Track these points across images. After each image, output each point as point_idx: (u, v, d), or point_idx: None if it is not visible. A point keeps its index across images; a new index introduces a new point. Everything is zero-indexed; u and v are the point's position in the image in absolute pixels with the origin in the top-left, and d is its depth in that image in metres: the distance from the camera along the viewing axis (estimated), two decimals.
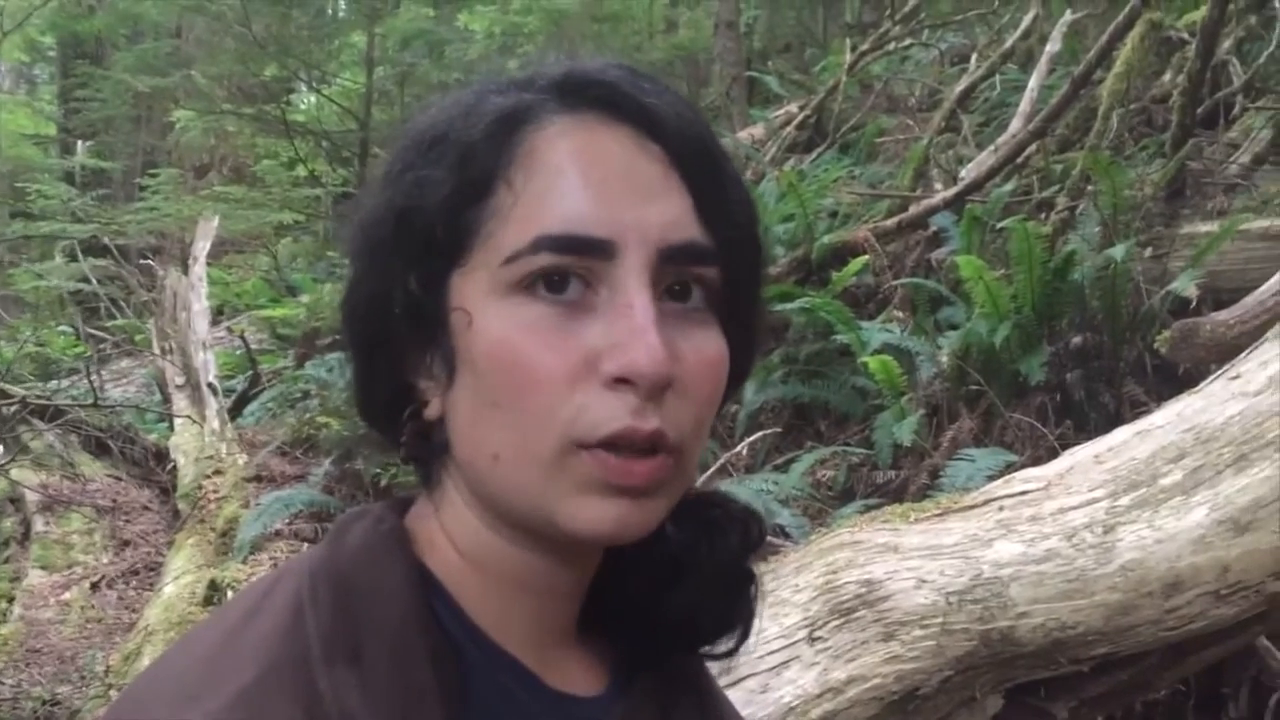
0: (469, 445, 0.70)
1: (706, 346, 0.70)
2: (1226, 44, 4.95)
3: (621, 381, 0.65)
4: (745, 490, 3.40)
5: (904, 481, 3.67)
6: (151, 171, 11.76)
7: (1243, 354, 2.20)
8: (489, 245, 0.68)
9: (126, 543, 5.05)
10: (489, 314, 0.67)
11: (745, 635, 0.82)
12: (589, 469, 0.66)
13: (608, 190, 0.67)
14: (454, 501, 0.73)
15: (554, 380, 0.66)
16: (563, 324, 0.66)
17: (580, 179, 0.67)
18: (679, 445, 0.68)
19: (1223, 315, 2.85)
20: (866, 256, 4.74)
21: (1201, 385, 2.17)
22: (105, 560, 4.88)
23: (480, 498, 0.71)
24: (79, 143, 13.15)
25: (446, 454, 0.73)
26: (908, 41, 8.30)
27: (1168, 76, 5.08)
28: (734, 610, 0.81)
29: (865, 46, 7.95)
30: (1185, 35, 4.96)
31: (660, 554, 0.78)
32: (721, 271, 0.70)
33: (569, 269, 0.67)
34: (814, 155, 7.05)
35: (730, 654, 0.83)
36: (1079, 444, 2.27)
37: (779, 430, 4.30)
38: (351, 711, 0.64)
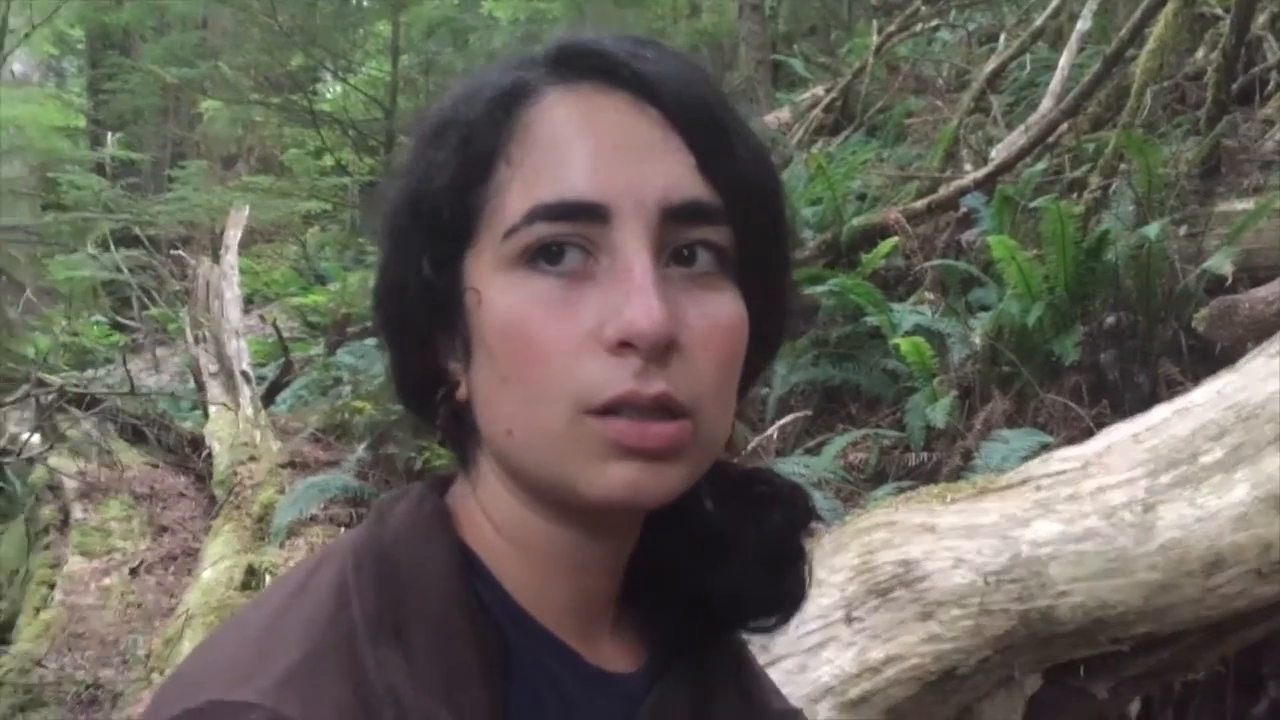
0: (488, 422, 0.71)
1: (716, 310, 0.69)
2: (1261, 19, 4.88)
3: (623, 345, 0.65)
4: None
5: (937, 463, 3.66)
6: (180, 163, 11.84)
7: None
8: (493, 222, 0.69)
9: (164, 529, 5.11)
10: (495, 291, 0.68)
11: (793, 612, 0.82)
12: (600, 434, 0.66)
13: (602, 155, 0.67)
14: (489, 480, 0.74)
15: (558, 352, 0.66)
16: (566, 295, 0.66)
17: (574, 147, 0.68)
18: (693, 409, 0.67)
19: (1261, 292, 2.83)
20: (896, 238, 4.71)
21: (1241, 363, 2.15)
22: (144, 546, 4.94)
23: (508, 472, 0.72)
24: (108, 134, 13.23)
25: (478, 434, 0.73)
26: (935, 22, 8.23)
27: (1201, 53, 5.02)
28: (780, 588, 0.81)
29: (892, 28, 7.88)
30: (1219, 11, 4.90)
31: (704, 531, 0.78)
32: (733, 231, 0.70)
33: (566, 238, 0.67)
34: (841, 138, 7.01)
35: (775, 628, 0.83)
36: (1114, 424, 2.26)
37: (809, 413, 4.29)
38: (398, 690, 0.65)
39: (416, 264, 0.71)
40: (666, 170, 0.68)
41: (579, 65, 0.71)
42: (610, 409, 0.66)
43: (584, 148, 0.68)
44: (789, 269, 0.77)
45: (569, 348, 0.66)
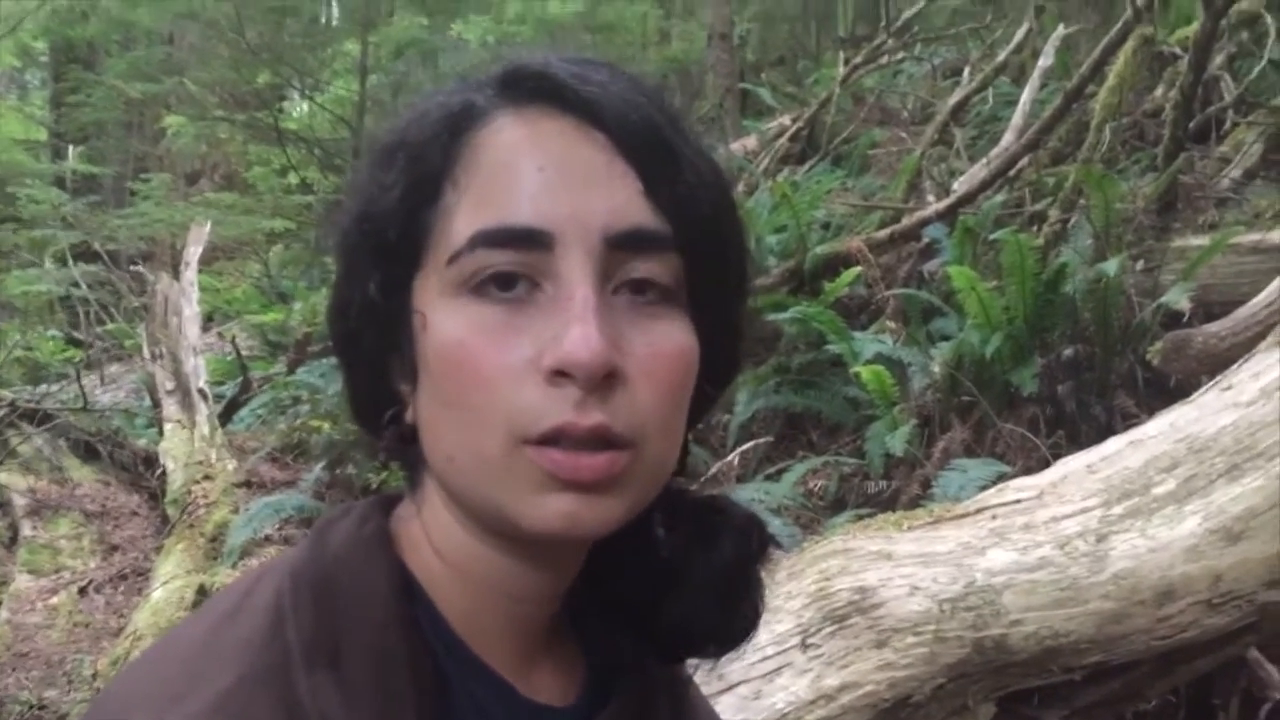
0: (431, 447, 0.70)
1: (662, 338, 0.68)
2: (1218, 59, 4.99)
3: (560, 375, 0.64)
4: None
5: (895, 491, 3.67)
6: (143, 177, 11.73)
7: (1235, 365, 2.21)
8: (438, 246, 0.68)
9: (115, 548, 5.02)
10: (439, 315, 0.67)
11: (741, 644, 0.80)
12: (535, 466, 0.65)
13: (545, 181, 0.66)
14: (434, 503, 0.73)
15: (498, 379, 0.65)
16: (508, 322, 0.66)
17: (519, 172, 0.67)
18: (632, 439, 0.66)
19: (1214, 327, 2.87)
20: (859, 267, 4.75)
21: (1194, 396, 2.18)
22: (93, 565, 4.85)
23: (450, 497, 0.71)
24: (70, 148, 13.11)
25: (425, 457, 0.72)
26: (901, 55, 8.34)
27: (1160, 91, 5.11)
28: (729, 620, 0.79)
29: (858, 59, 7.98)
30: (1178, 50, 5.00)
31: (653, 560, 0.77)
32: (681, 259, 0.69)
33: (510, 267, 0.66)
34: (807, 167, 7.07)
35: (720, 655, 0.81)
36: (1070, 455, 2.28)
37: (771, 440, 4.30)
38: (331, 716, 0.64)
39: (365, 285, 0.70)
40: (610, 196, 0.67)
41: (526, 88, 0.70)
42: (547, 439, 0.65)
43: (528, 173, 0.67)
44: (744, 296, 0.76)
45: (508, 375, 0.65)
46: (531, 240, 0.66)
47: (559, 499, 0.65)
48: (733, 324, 0.75)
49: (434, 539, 0.73)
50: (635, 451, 0.67)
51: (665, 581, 0.78)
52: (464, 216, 0.67)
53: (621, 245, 0.67)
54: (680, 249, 0.68)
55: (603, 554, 0.75)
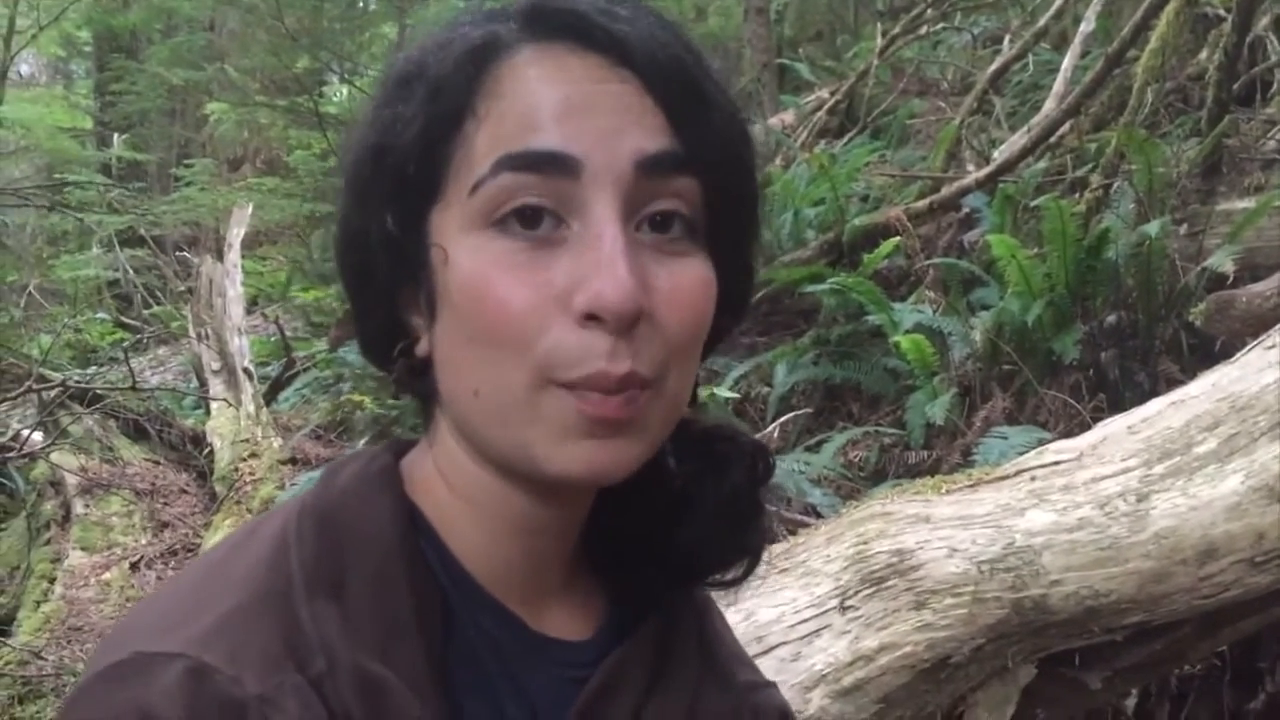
0: (451, 381, 0.70)
1: (685, 275, 0.68)
2: (1263, 20, 4.89)
3: (591, 317, 0.64)
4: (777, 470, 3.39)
5: (936, 461, 3.65)
6: (187, 162, 11.86)
7: (1279, 324, 2.18)
8: (459, 178, 0.68)
9: (165, 524, 5.10)
10: (462, 249, 0.67)
11: (753, 566, 0.81)
12: (562, 407, 0.65)
13: (572, 110, 0.66)
14: (446, 438, 0.74)
15: (525, 315, 0.65)
16: (534, 258, 0.66)
17: (545, 102, 0.66)
18: (656, 378, 0.67)
19: (1259, 287, 2.83)
20: (898, 238, 4.71)
21: (1237, 355, 2.16)
22: (144, 541, 4.93)
23: (466, 434, 0.71)
24: (115, 136, 13.26)
25: (438, 390, 0.73)
26: (940, 25, 8.23)
27: (1204, 54, 5.02)
28: (740, 543, 0.81)
29: (897, 30, 7.89)
30: (1221, 11, 4.90)
31: (665, 488, 0.78)
32: (703, 192, 0.69)
33: (535, 192, 0.65)
34: (845, 140, 7.01)
35: (736, 583, 0.82)
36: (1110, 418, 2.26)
37: (810, 411, 4.30)
38: (331, 641, 0.65)
39: (380, 218, 0.70)
40: (639, 125, 0.67)
41: (553, 24, 0.69)
42: (577, 385, 0.65)
43: (555, 103, 0.67)
44: (757, 233, 0.77)
45: (536, 313, 0.65)
46: (558, 165, 0.65)
47: (581, 446, 0.66)
48: (746, 259, 0.76)
49: (446, 472, 0.74)
50: (657, 387, 0.67)
51: (677, 509, 0.78)
52: (486, 145, 0.67)
53: (651, 170, 0.67)
54: (704, 180, 0.69)
55: (616, 486, 0.77)
